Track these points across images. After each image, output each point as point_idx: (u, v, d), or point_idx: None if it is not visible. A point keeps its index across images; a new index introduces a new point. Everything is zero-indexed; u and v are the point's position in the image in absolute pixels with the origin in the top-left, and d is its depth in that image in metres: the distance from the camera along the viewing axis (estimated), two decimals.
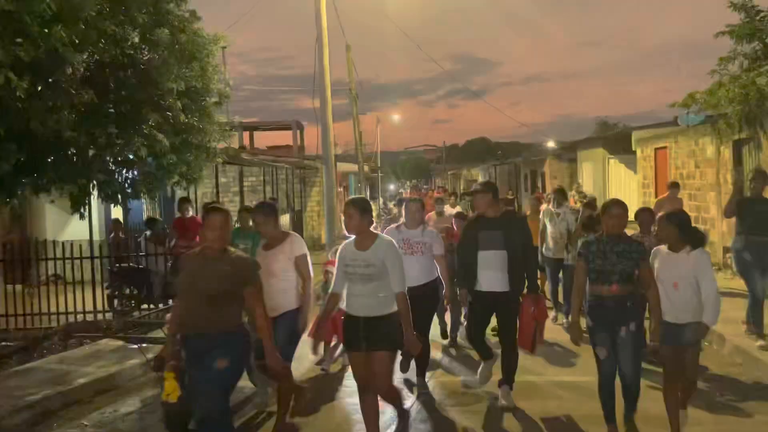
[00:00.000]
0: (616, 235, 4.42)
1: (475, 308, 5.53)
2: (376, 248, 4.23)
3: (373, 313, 4.24)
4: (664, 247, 4.55)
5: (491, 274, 5.28)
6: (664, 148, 14.85)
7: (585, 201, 14.80)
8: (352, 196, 6.18)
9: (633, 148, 17.31)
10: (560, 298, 8.54)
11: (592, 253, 4.43)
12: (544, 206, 9.36)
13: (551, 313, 8.11)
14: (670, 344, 4.39)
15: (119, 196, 8.01)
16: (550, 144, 29.62)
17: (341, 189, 28.10)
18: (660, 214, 4.86)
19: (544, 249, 8.42)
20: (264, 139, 34.86)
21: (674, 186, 10.83)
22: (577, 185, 18.70)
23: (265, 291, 4.23)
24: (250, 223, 6.23)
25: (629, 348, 4.35)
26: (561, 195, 8.61)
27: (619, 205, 4.50)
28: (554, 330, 7.73)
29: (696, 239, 4.48)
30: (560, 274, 8.37)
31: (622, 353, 4.37)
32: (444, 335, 7.67)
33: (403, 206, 6.84)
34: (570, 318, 5.62)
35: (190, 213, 9.98)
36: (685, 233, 4.45)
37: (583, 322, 4.62)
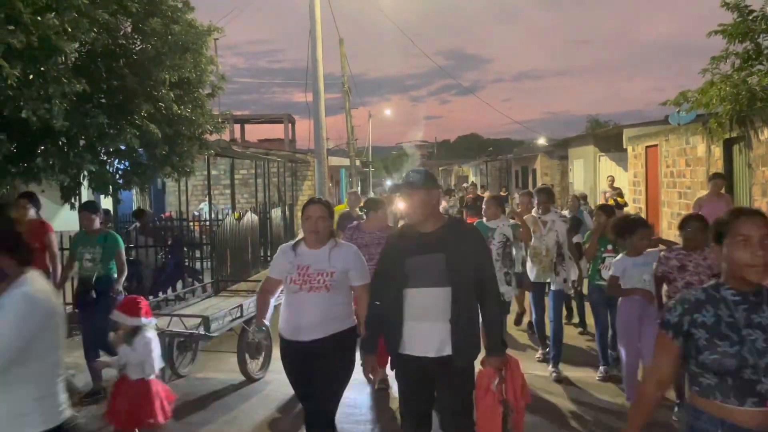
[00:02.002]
0: (742, 280, 2.19)
1: (402, 384, 3.55)
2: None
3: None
4: None
5: (425, 327, 3.30)
6: (655, 146, 14.94)
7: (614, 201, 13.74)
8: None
9: (624, 146, 17.40)
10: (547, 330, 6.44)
11: (708, 326, 2.19)
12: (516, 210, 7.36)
13: (537, 353, 6.71)
14: None
15: (110, 187, 7.94)
16: (542, 141, 29.72)
17: (331, 184, 28.07)
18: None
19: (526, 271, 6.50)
20: (255, 133, 34.87)
21: (717, 178, 8.98)
22: (611, 179, 15.61)
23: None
24: (95, 225, 6.11)
25: None
26: (546, 196, 6.40)
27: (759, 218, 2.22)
28: (541, 384, 5.80)
29: None
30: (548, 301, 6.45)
31: None
32: None
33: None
34: None
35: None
36: None
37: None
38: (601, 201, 14.50)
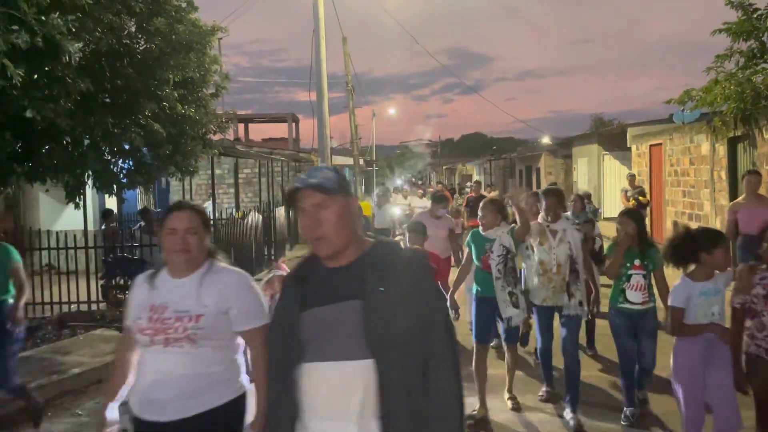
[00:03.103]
0: None
1: None
2: None
3: None
4: None
5: (332, 430, 1.93)
6: (659, 144, 14.90)
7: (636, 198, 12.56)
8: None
9: (628, 145, 17.37)
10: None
11: None
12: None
13: (540, 390, 5.59)
14: None
15: (114, 186, 7.97)
16: (545, 140, 29.67)
17: None
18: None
19: (527, 292, 5.27)
20: (259, 132, 34.90)
21: (751, 174, 7.58)
22: (631, 177, 13.89)
23: None
24: None
25: None
26: (556, 200, 5.20)
27: None
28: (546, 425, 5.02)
29: None
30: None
31: None
32: None
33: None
34: None
35: None
36: None
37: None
38: (622, 202, 13.10)
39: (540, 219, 5.21)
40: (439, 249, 6.80)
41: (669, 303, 3.92)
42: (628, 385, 4.93)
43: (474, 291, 5.27)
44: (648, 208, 13.01)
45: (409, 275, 1.96)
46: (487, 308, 5.11)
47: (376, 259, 1.97)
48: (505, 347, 5.37)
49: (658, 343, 4.89)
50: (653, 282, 4.78)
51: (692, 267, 3.87)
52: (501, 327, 5.17)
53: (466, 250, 5.47)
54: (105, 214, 11.49)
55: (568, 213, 6.58)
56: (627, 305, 4.75)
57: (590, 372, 6.00)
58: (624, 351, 4.86)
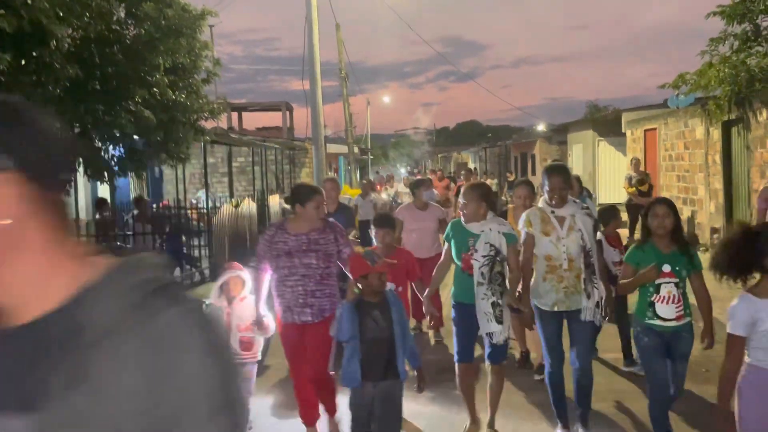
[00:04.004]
0: None
1: None
2: None
3: None
4: None
5: None
6: (654, 129, 14.89)
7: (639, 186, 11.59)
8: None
9: (623, 130, 17.35)
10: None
11: None
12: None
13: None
14: None
15: (105, 174, 7.93)
16: (541, 127, 29.66)
17: (332, 172, 28.02)
18: None
19: (532, 292, 4.18)
20: (253, 121, 34.76)
21: None
22: (635, 161, 12.91)
23: None
24: None
25: None
26: (563, 179, 4.14)
27: None
28: None
29: None
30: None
31: None
32: None
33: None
34: None
35: None
36: None
37: None
38: (625, 189, 12.14)
39: (541, 203, 4.20)
40: (428, 244, 6.19)
41: (728, 329, 2.81)
42: (658, 416, 3.87)
43: (452, 296, 4.26)
44: (650, 198, 12.10)
45: (156, 346, 0.87)
46: (469, 318, 4.07)
47: (88, 314, 0.88)
48: (487, 366, 4.20)
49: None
50: (688, 289, 3.83)
51: (755, 279, 2.84)
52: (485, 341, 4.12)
53: (445, 245, 4.39)
54: (99, 204, 11.44)
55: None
56: (657, 322, 3.77)
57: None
58: (655, 376, 3.84)
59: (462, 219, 4.20)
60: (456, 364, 4.22)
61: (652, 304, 3.80)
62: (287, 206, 4.59)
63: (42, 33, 6.03)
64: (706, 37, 10.68)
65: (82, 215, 10.48)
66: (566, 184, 4.17)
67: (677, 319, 3.76)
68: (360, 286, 3.52)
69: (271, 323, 4.18)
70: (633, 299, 4.09)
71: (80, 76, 6.69)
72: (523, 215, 4.25)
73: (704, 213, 11.99)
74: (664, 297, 3.77)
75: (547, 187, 4.13)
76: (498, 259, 4.03)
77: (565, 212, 4.09)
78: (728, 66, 9.95)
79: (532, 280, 4.17)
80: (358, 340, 3.44)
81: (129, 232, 10.15)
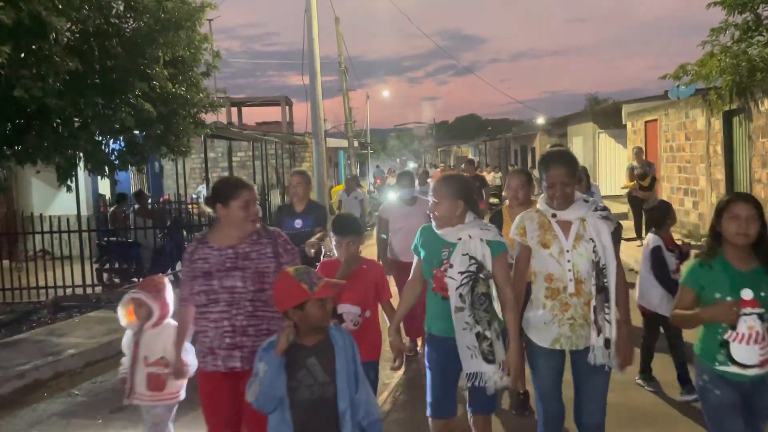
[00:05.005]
0: None
1: None
2: None
3: None
4: None
5: None
6: (655, 120, 14.86)
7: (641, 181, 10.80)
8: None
9: (623, 122, 17.32)
10: None
11: None
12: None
13: None
14: None
15: (106, 168, 7.90)
16: (540, 120, 29.60)
17: (332, 166, 28.01)
18: None
19: (524, 322, 3.18)
20: (252, 115, 34.69)
21: None
22: (637, 151, 12.01)
23: None
24: None
25: None
26: (565, 171, 3.04)
27: None
28: None
29: None
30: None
31: None
32: None
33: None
34: None
35: None
36: None
37: None
38: (626, 182, 11.54)
39: (539, 205, 3.16)
40: None
41: None
42: None
43: (426, 328, 3.27)
44: (652, 191, 11.14)
45: None
46: (446, 356, 3.10)
47: None
48: (469, 418, 3.19)
49: None
50: None
51: None
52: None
53: (414, 259, 3.34)
54: (119, 198, 11.43)
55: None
56: (732, 369, 2.74)
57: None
58: None
59: (434, 224, 3.17)
60: (430, 421, 3.19)
61: (725, 344, 2.74)
62: (208, 209, 3.20)
63: (41, 26, 6.00)
64: (707, 28, 10.66)
65: (84, 210, 10.45)
66: (571, 176, 3.03)
67: (762, 365, 2.70)
68: (295, 322, 2.47)
69: (191, 366, 3.25)
70: (693, 332, 3.00)
71: (80, 69, 6.66)
72: (516, 219, 3.22)
73: (706, 204, 11.97)
74: (743, 335, 2.67)
75: (545, 182, 3.07)
76: (481, 276, 3.01)
77: (572, 215, 3.05)
78: (729, 56, 9.92)
79: (528, 306, 3.18)
80: (286, 406, 2.45)
81: (130, 226, 10.15)
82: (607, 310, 2.99)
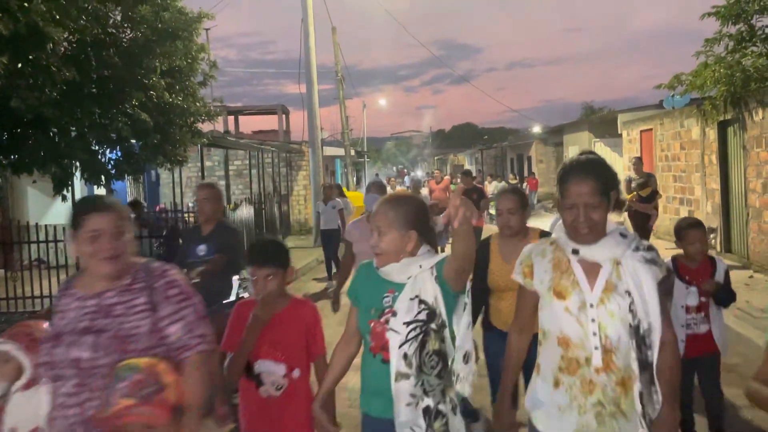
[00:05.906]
0: None
1: None
2: None
3: None
4: None
5: None
6: (650, 130, 14.93)
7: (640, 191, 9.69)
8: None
9: (619, 131, 17.40)
10: None
11: None
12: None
13: None
14: None
15: (102, 177, 7.90)
16: (536, 129, 29.72)
17: (328, 175, 28.02)
18: None
19: (530, 400, 2.25)
20: (249, 125, 34.74)
21: None
22: (636, 161, 10.61)
23: None
24: None
25: None
26: (590, 189, 2.04)
27: None
28: None
29: None
30: None
31: None
32: None
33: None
34: None
35: None
36: None
37: None
38: (626, 196, 10.09)
39: (556, 234, 2.24)
40: None
41: None
42: None
43: (362, 407, 2.45)
44: (654, 203, 10.12)
45: None
46: None
47: None
48: None
49: None
50: None
51: None
52: None
53: (351, 311, 2.53)
54: (132, 204, 11.35)
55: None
56: None
57: None
58: None
59: (375, 261, 2.35)
60: None
61: None
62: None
63: (38, 36, 6.02)
64: (701, 37, 10.73)
65: None
66: (602, 194, 2.07)
67: None
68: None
69: None
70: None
71: (77, 79, 6.67)
72: (524, 251, 2.30)
73: (701, 213, 12.01)
74: None
75: (565, 203, 2.09)
76: (433, 326, 2.20)
77: (602, 254, 2.09)
78: (724, 66, 10.00)
79: (534, 375, 2.26)
80: None
81: None
82: (655, 394, 2.05)
